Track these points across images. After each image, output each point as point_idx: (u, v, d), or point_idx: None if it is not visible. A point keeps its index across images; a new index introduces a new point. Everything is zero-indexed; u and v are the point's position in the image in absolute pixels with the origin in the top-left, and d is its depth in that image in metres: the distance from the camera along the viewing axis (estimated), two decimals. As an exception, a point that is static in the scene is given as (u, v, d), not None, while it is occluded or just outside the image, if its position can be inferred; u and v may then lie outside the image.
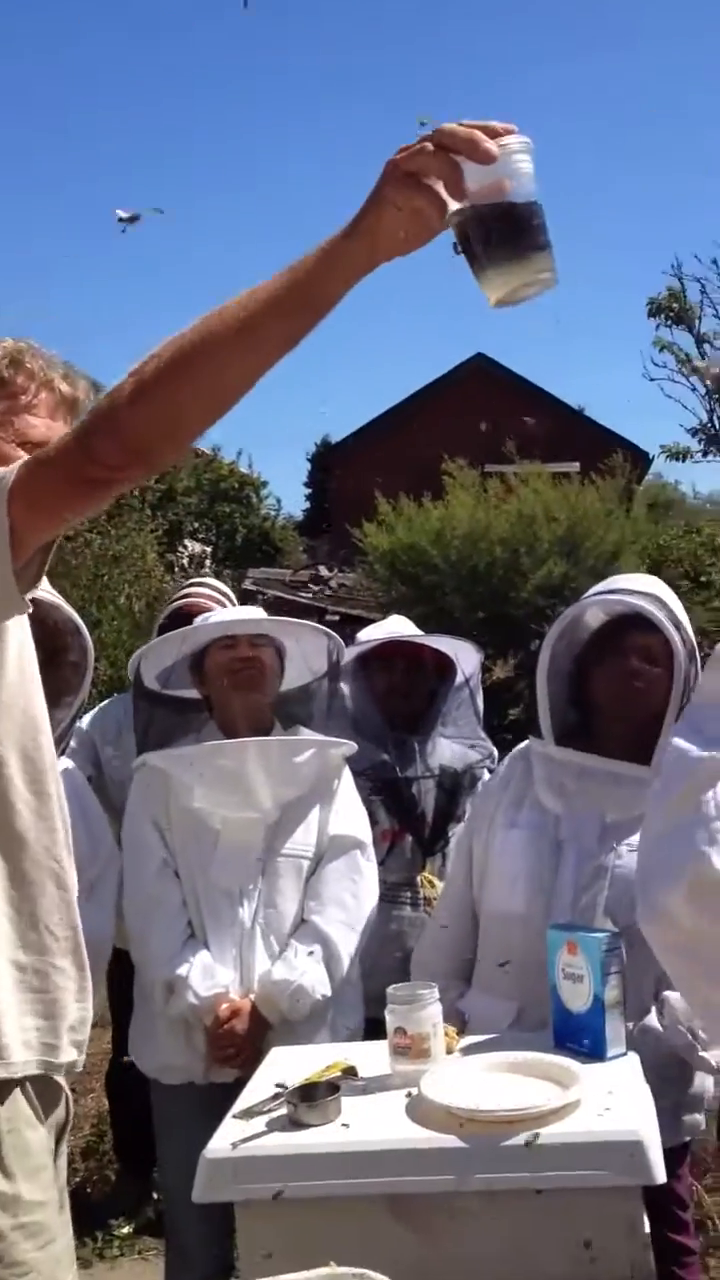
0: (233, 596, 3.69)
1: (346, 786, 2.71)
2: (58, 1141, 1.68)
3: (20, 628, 1.62)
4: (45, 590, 2.49)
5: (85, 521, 12.31)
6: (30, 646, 1.64)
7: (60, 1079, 1.68)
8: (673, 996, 2.29)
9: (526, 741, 2.50)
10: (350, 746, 2.72)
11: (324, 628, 2.89)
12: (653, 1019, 2.28)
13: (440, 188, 1.21)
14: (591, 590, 2.55)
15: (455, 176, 1.20)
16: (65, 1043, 1.66)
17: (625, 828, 2.31)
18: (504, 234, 1.22)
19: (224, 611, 2.94)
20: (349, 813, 2.69)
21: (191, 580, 4.49)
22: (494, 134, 1.21)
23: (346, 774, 2.73)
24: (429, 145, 1.21)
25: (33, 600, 2.48)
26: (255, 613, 2.89)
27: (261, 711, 2.70)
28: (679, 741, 1.53)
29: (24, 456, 1.49)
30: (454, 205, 1.23)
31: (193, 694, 2.75)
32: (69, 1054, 1.67)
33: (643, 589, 2.44)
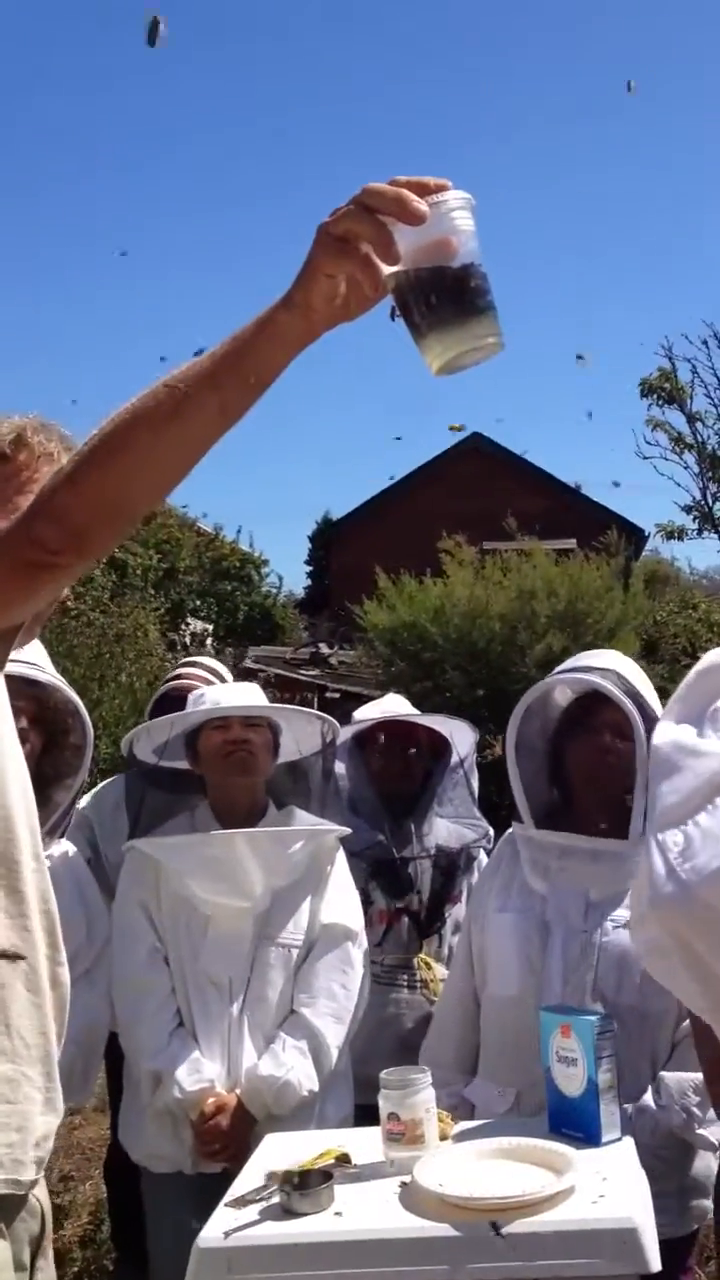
0: (226, 673, 3.68)
1: (339, 872, 2.70)
2: (35, 1253, 1.60)
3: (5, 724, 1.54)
4: (47, 673, 2.53)
5: (89, 600, 12.44)
6: (12, 740, 1.57)
7: (32, 1193, 1.60)
8: (669, 1076, 2.28)
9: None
10: (343, 831, 2.72)
11: (316, 713, 2.90)
12: (649, 1099, 2.27)
13: (371, 252, 1.13)
14: (555, 670, 2.62)
15: (384, 239, 1.11)
16: (30, 1158, 1.56)
17: (609, 904, 2.35)
18: (443, 299, 1.14)
19: (217, 690, 2.93)
20: (341, 900, 2.67)
21: (183, 660, 4.47)
22: (426, 190, 1.13)
23: (340, 859, 2.72)
24: (354, 207, 1.13)
25: (32, 681, 2.51)
26: (249, 692, 2.88)
27: (254, 794, 2.70)
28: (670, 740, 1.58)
29: None
30: (388, 269, 1.14)
31: (187, 765, 2.76)
32: (31, 1172, 1.57)
33: (602, 665, 2.50)
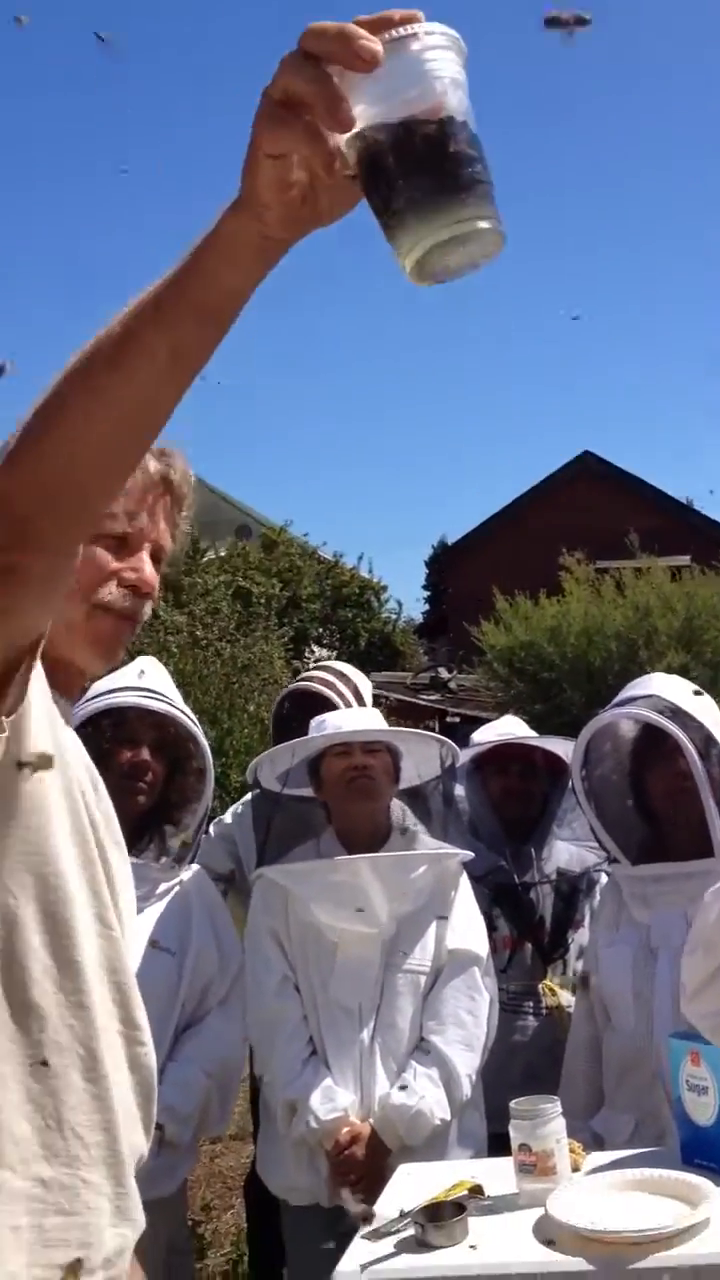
0: (355, 677, 3.53)
1: (464, 897, 2.70)
2: None
3: (47, 777, 1.24)
4: (163, 700, 2.55)
5: (215, 630, 12.60)
6: (64, 796, 1.28)
7: None
8: None
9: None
10: (466, 855, 2.72)
11: (434, 735, 2.92)
12: None
13: (316, 116, 0.83)
14: (607, 707, 2.71)
15: (328, 96, 0.82)
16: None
17: None
18: (411, 168, 0.83)
19: (338, 716, 2.91)
20: (467, 926, 2.67)
21: (314, 665, 4.36)
22: (389, 25, 0.83)
23: (464, 883, 2.72)
24: (294, 56, 0.83)
25: (149, 712, 2.54)
26: (369, 717, 2.90)
27: (377, 819, 2.72)
28: None
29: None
30: (340, 138, 0.84)
31: (311, 792, 2.80)
32: None
33: (645, 692, 2.59)
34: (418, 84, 0.83)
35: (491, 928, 2.84)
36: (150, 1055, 1.37)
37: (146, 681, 2.59)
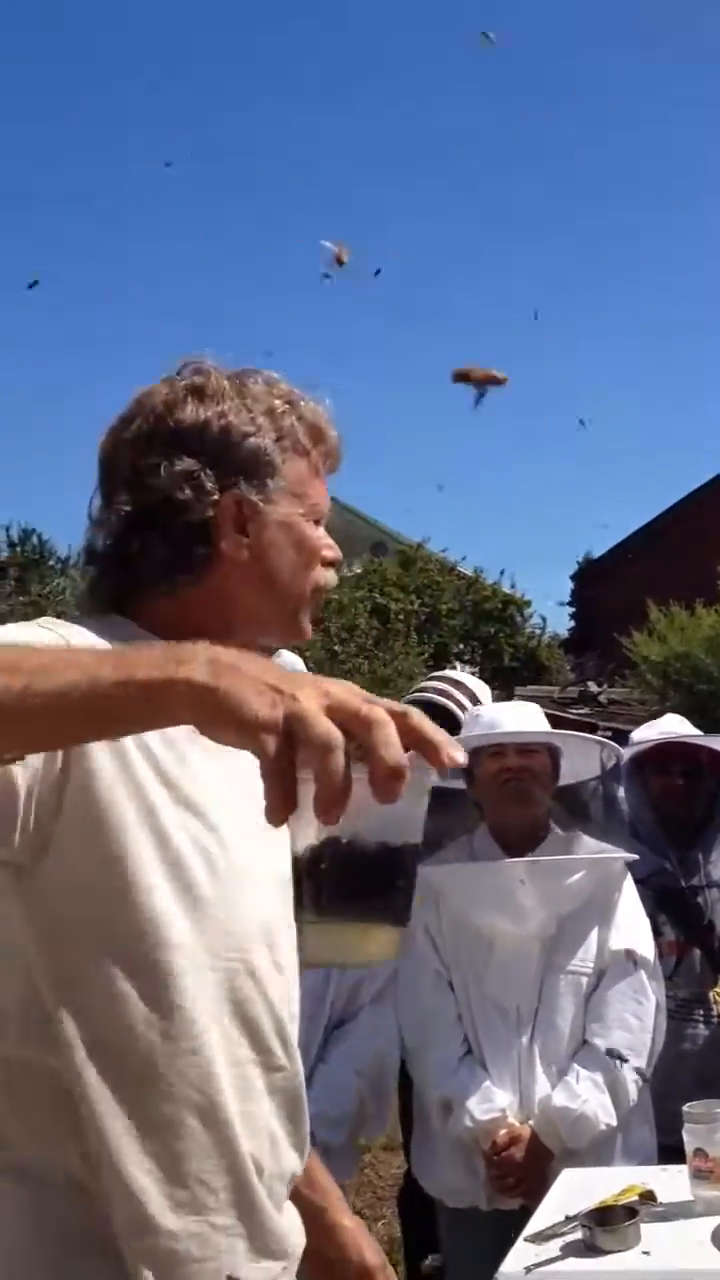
0: (474, 685, 3.42)
1: (628, 898, 2.61)
2: None
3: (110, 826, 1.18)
4: None
5: (353, 646, 12.67)
6: (119, 785, 1.19)
7: None
8: None
9: None
10: (630, 857, 2.63)
11: (594, 738, 2.83)
12: None
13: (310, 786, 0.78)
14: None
15: (335, 791, 0.77)
16: None
17: None
18: (357, 884, 0.84)
19: (495, 711, 2.80)
20: (631, 927, 2.58)
21: (432, 675, 4.18)
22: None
23: (628, 885, 2.62)
24: (363, 717, 0.80)
25: None
26: (526, 713, 2.76)
27: (534, 822, 2.64)
28: None
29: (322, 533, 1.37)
30: (308, 833, 0.83)
31: (463, 786, 2.71)
32: None
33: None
34: (413, 824, 0.86)
35: (657, 933, 2.73)
36: (294, 1077, 1.33)
37: None
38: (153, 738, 1.20)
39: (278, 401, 1.35)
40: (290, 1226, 1.32)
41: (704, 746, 3.00)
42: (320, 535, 1.38)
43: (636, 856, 2.65)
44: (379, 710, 0.81)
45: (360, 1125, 2.52)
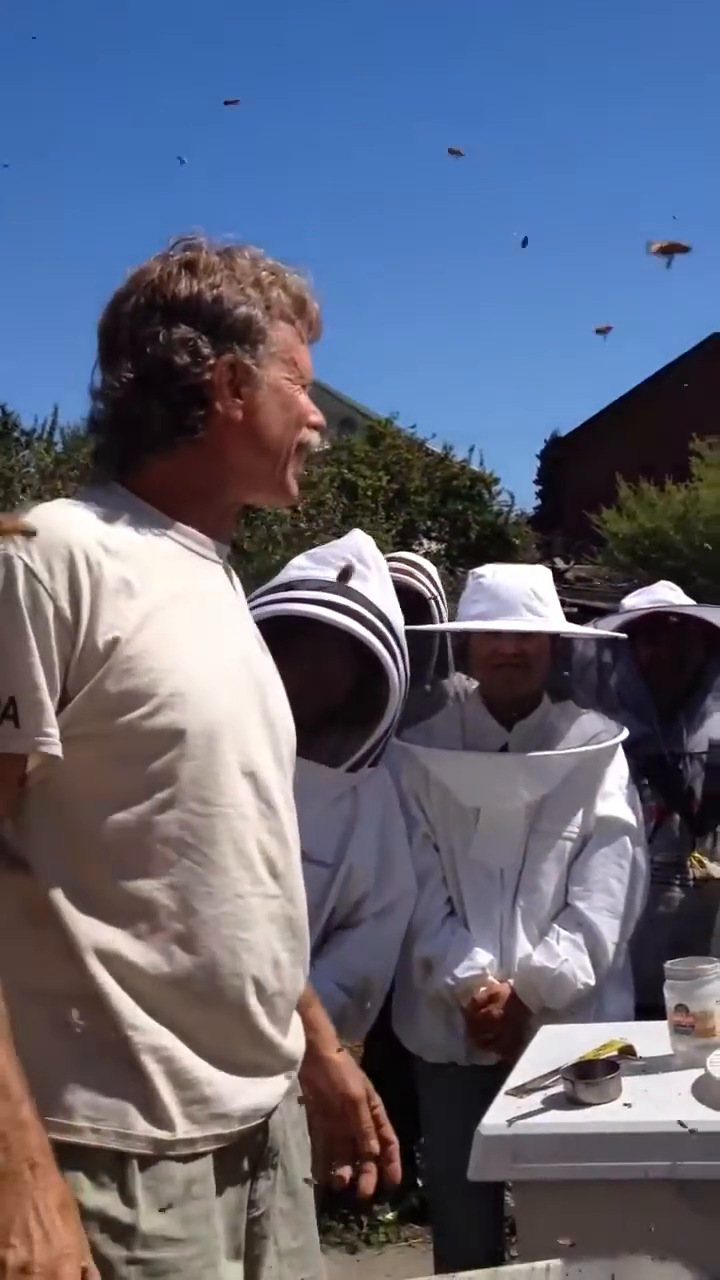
0: (428, 567, 3.39)
1: (617, 769, 2.58)
2: (255, 1166, 1.43)
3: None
4: (371, 628, 2.28)
5: (320, 522, 12.55)
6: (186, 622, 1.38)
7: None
8: None
9: None
10: (621, 736, 2.58)
11: (597, 632, 2.82)
12: None
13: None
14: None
15: None
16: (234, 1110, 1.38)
17: None
18: None
19: (496, 575, 2.61)
20: (619, 796, 2.57)
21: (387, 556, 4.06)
22: None
23: (619, 756, 2.60)
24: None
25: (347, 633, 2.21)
26: (534, 575, 2.62)
27: (528, 699, 2.60)
28: None
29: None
30: None
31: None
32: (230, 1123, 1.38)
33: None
34: None
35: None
36: (287, 904, 1.46)
37: (358, 585, 2.33)
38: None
39: (264, 273, 1.46)
40: (294, 1038, 1.49)
41: (693, 617, 2.96)
42: (306, 400, 1.49)
43: (627, 733, 2.61)
44: None
45: (341, 1031, 2.44)
